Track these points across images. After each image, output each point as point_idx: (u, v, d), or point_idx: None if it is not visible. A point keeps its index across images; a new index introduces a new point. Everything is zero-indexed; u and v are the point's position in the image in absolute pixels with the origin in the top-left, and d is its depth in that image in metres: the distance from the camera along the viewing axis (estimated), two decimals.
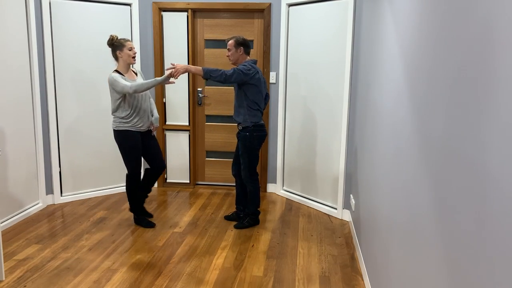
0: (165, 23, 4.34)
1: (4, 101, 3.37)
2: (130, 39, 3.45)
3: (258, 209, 3.59)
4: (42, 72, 3.81)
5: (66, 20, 3.88)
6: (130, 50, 3.25)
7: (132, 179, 3.38)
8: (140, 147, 3.35)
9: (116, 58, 3.29)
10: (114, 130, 3.30)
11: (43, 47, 3.79)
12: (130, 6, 4.20)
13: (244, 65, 3.25)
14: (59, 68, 3.91)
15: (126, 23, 4.20)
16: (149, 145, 3.45)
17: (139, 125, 3.32)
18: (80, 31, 3.96)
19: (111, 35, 3.26)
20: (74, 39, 3.94)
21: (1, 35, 3.30)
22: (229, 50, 3.35)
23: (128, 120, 3.26)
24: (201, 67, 3.17)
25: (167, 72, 3.29)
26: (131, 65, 3.37)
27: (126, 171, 4.41)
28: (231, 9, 4.23)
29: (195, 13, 4.36)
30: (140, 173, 3.41)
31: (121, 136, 3.27)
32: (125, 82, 3.16)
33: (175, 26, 4.34)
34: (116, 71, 3.27)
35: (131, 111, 3.25)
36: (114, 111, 3.26)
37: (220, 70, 3.19)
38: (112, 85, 3.18)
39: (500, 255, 0.88)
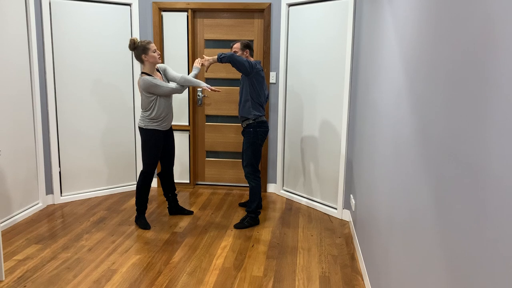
0: (165, 23, 4.34)
1: (4, 101, 3.37)
2: (151, 40, 3.43)
3: (259, 210, 3.61)
4: (42, 72, 3.81)
5: (66, 20, 3.88)
6: (154, 52, 3.28)
7: (146, 176, 3.45)
8: (161, 147, 3.46)
9: (141, 61, 3.30)
10: (141, 128, 3.37)
11: (43, 47, 3.79)
12: (130, 6, 4.20)
13: (254, 62, 3.43)
14: (59, 68, 3.91)
15: (126, 23, 4.20)
16: (168, 145, 3.58)
17: (164, 124, 3.42)
18: (80, 31, 3.96)
19: (131, 39, 3.26)
20: (74, 39, 3.94)
21: (1, 35, 3.30)
22: (235, 52, 3.51)
23: (157, 119, 3.34)
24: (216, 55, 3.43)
25: (197, 65, 3.53)
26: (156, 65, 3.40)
27: (125, 171, 4.42)
28: (231, 9, 4.23)
29: (195, 13, 4.36)
30: (154, 172, 3.49)
31: (148, 134, 3.35)
32: (170, 84, 3.31)
33: (175, 26, 4.34)
34: (145, 73, 3.30)
35: (162, 112, 3.35)
36: (146, 111, 3.32)
37: (232, 52, 3.38)
38: (152, 89, 3.23)
39: (500, 255, 0.88)
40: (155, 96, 3.29)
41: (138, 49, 3.26)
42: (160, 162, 3.67)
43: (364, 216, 2.84)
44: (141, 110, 3.38)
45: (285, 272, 2.81)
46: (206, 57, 3.45)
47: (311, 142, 4.03)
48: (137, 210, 3.53)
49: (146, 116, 3.33)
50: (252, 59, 3.53)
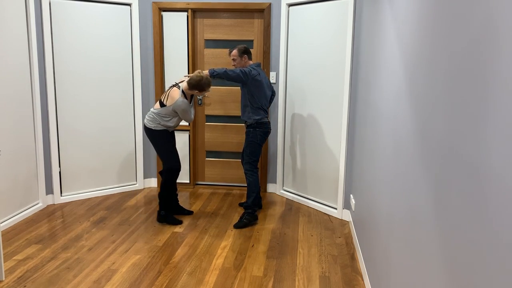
0: (165, 23, 4.34)
1: (4, 101, 3.37)
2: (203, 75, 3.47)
3: (256, 207, 3.61)
4: (42, 72, 3.81)
5: (66, 20, 3.88)
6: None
7: (174, 173, 3.51)
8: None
9: (191, 90, 3.37)
10: (150, 129, 3.40)
11: (43, 47, 3.79)
12: (130, 6, 4.20)
13: (249, 69, 3.50)
14: (59, 68, 3.91)
15: (126, 23, 4.20)
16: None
17: (171, 129, 3.53)
18: (80, 31, 3.96)
19: (201, 76, 3.30)
20: (74, 39, 3.94)
21: (1, 35, 3.30)
22: (234, 60, 3.61)
23: (168, 127, 3.44)
24: (208, 70, 3.47)
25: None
26: None
27: (125, 171, 4.42)
28: (231, 9, 4.23)
29: (195, 13, 4.36)
30: (180, 167, 3.56)
31: (160, 134, 3.41)
32: (191, 115, 3.46)
33: (175, 26, 4.34)
34: (183, 93, 3.39)
35: (175, 123, 3.46)
36: (163, 116, 3.38)
37: (225, 68, 3.44)
38: (179, 112, 3.36)
39: (500, 255, 0.88)
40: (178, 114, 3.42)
41: (201, 85, 3.33)
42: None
43: (364, 216, 2.84)
44: (155, 111, 3.38)
45: (285, 272, 2.81)
46: (189, 75, 3.53)
47: (311, 142, 4.03)
48: (163, 208, 3.56)
49: (160, 120, 3.38)
50: (251, 62, 3.62)
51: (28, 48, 3.65)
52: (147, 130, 3.44)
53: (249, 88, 3.50)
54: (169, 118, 3.40)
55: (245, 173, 3.68)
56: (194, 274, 2.76)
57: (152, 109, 3.44)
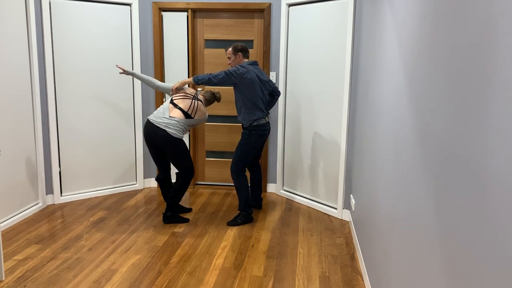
0: (165, 23, 4.34)
1: (4, 101, 3.37)
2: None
3: (250, 209, 3.61)
4: (42, 72, 3.81)
5: (66, 20, 3.88)
6: None
7: (192, 176, 3.59)
8: None
9: (208, 105, 3.76)
10: (176, 139, 3.43)
11: (43, 47, 3.79)
12: (130, 6, 4.20)
13: (236, 67, 3.40)
14: (59, 68, 3.91)
15: (126, 23, 4.20)
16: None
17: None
18: (80, 31, 3.96)
19: (217, 94, 3.72)
20: (74, 39, 3.94)
21: (1, 35, 3.30)
22: (229, 58, 3.58)
23: (185, 134, 3.56)
24: (192, 77, 3.56)
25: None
26: None
27: (125, 171, 4.42)
28: (231, 9, 4.23)
29: (195, 13, 4.36)
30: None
31: (180, 143, 3.48)
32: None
33: (175, 26, 4.34)
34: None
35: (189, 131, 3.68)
36: (187, 128, 3.52)
37: (209, 74, 3.40)
38: (200, 123, 3.65)
39: (501, 255, 0.88)
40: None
41: (213, 101, 3.76)
42: (160, 167, 3.68)
43: (364, 216, 2.84)
44: (183, 121, 3.45)
45: (285, 272, 2.81)
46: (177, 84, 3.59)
47: (311, 142, 4.03)
48: (172, 209, 3.58)
49: (186, 130, 3.49)
50: (246, 61, 3.54)
51: (28, 48, 3.65)
52: (173, 140, 3.40)
53: (239, 87, 3.42)
54: (189, 128, 3.57)
55: (231, 176, 3.60)
56: (194, 274, 2.76)
57: (176, 119, 3.41)
